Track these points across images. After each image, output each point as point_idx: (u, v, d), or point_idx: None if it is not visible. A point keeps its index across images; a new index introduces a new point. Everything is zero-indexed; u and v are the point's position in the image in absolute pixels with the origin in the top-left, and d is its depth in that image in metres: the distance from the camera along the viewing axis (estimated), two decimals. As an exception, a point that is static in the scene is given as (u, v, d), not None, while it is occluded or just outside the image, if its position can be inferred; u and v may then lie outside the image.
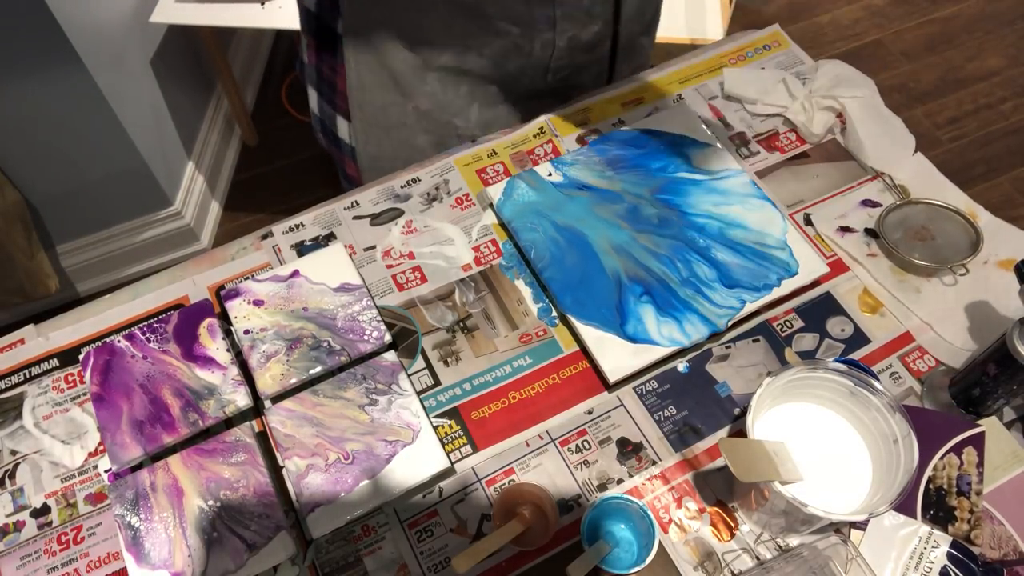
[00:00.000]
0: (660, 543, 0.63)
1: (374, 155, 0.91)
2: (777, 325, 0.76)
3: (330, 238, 0.82)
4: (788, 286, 0.74)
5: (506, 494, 0.64)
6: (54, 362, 0.74)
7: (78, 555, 0.65)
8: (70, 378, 0.73)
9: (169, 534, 0.61)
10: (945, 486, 0.64)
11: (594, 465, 0.68)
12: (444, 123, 0.88)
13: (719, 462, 0.68)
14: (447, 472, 0.67)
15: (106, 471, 0.68)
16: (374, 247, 0.81)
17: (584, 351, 0.74)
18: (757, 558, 0.63)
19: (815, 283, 0.78)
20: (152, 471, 0.64)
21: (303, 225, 0.83)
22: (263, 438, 0.68)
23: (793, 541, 0.64)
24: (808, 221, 0.83)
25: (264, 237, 0.82)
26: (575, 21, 0.79)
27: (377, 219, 0.83)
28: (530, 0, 0.75)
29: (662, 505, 0.66)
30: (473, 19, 0.76)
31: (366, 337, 0.71)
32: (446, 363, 0.74)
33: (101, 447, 0.70)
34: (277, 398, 0.69)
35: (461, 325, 0.76)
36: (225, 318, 0.73)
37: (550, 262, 0.76)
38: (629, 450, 0.69)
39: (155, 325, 0.72)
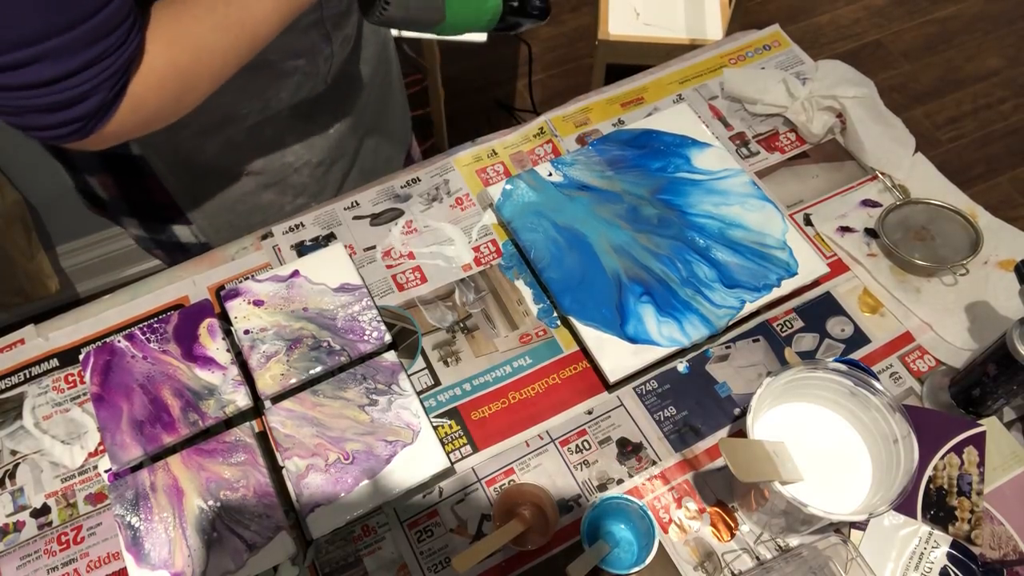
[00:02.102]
0: (660, 543, 0.63)
1: (228, 237, 0.85)
2: (777, 325, 0.76)
3: (330, 238, 0.82)
4: (788, 286, 0.74)
5: (506, 494, 0.64)
6: (54, 362, 0.74)
7: (78, 555, 0.65)
8: (70, 378, 0.73)
9: (169, 534, 0.61)
10: (945, 486, 0.64)
11: (594, 465, 0.68)
12: (278, 168, 0.84)
13: (719, 462, 0.68)
14: (447, 472, 0.67)
15: (106, 471, 0.68)
16: (374, 247, 0.81)
17: (584, 351, 0.74)
18: (757, 558, 0.63)
19: (815, 283, 0.78)
20: (152, 471, 0.64)
21: (303, 225, 0.83)
22: (263, 438, 0.68)
23: (793, 541, 0.64)
24: (808, 221, 0.83)
25: (264, 237, 0.82)
26: (340, 21, 0.76)
27: (377, 219, 0.83)
28: (306, 28, 0.71)
29: (662, 505, 0.66)
30: (261, 74, 0.72)
31: (366, 337, 0.71)
32: (446, 363, 0.74)
33: (101, 447, 0.70)
34: (277, 398, 0.68)
35: (461, 325, 0.76)
36: (225, 318, 0.73)
37: (550, 262, 0.76)
38: (629, 450, 0.69)
39: (155, 325, 0.72)
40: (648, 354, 0.71)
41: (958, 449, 0.65)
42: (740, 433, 0.69)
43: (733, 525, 0.65)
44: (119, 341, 0.71)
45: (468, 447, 0.69)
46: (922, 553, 0.61)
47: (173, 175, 0.79)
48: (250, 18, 0.58)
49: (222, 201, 0.84)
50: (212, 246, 0.86)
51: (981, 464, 0.65)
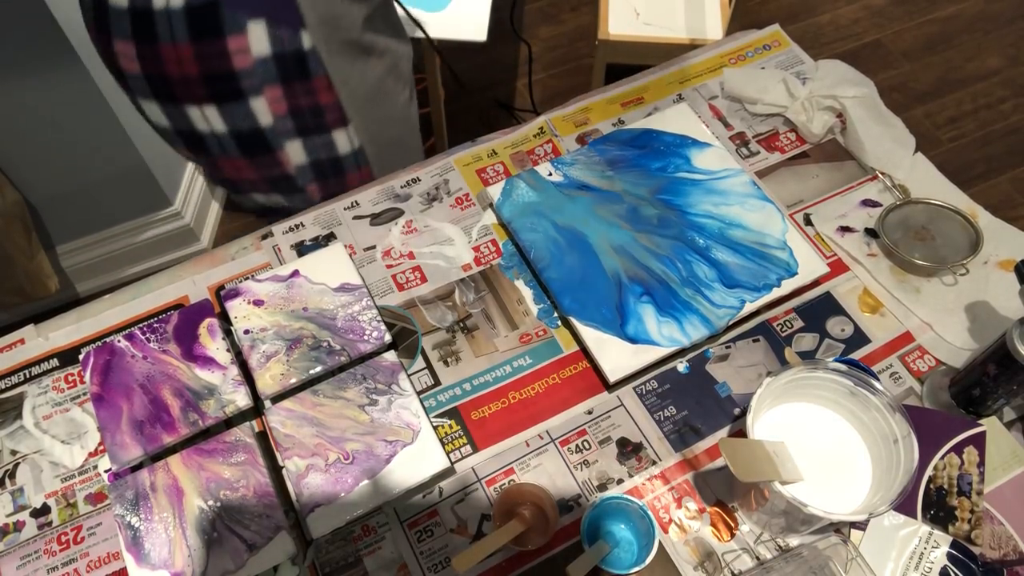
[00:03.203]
0: (660, 543, 0.63)
1: (374, 131, 0.88)
2: (777, 325, 0.76)
3: (330, 238, 0.82)
4: (788, 286, 0.74)
5: (506, 494, 0.64)
6: (54, 362, 0.74)
7: (78, 555, 0.65)
8: (70, 378, 0.73)
9: (169, 534, 0.61)
10: (946, 486, 0.64)
11: (594, 465, 0.68)
12: (394, 50, 0.88)
13: (719, 462, 0.68)
14: (447, 472, 0.67)
15: (106, 471, 0.68)
16: (374, 247, 0.81)
17: (584, 351, 0.74)
18: (757, 558, 0.63)
19: (815, 283, 0.78)
20: (152, 471, 0.64)
21: (303, 225, 0.83)
22: (263, 438, 0.68)
23: (793, 541, 0.64)
24: (808, 221, 0.83)
25: (264, 237, 0.82)
26: None
27: (377, 219, 0.83)
28: None
29: (662, 505, 0.66)
30: None
31: (366, 337, 0.71)
32: (446, 363, 0.74)
33: (101, 447, 0.70)
34: (277, 398, 0.68)
35: (461, 325, 0.76)
36: (225, 318, 0.73)
37: (550, 262, 0.76)
38: (629, 450, 0.69)
39: (155, 325, 0.72)
40: (648, 354, 0.71)
41: (958, 449, 0.65)
42: (740, 433, 0.69)
43: (733, 525, 0.65)
44: (119, 341, 0.71)
45: (468, 447, 0.69)
46: (922, 553, 0.61)
47: (331, 60, 0.80)
48: None
49: (365, 87, 0.85)
50: (369, 153, 0.88)
51: (981, 464, 0.65)
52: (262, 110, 0.80)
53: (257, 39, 0.76)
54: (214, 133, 0.81)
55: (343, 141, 0.88)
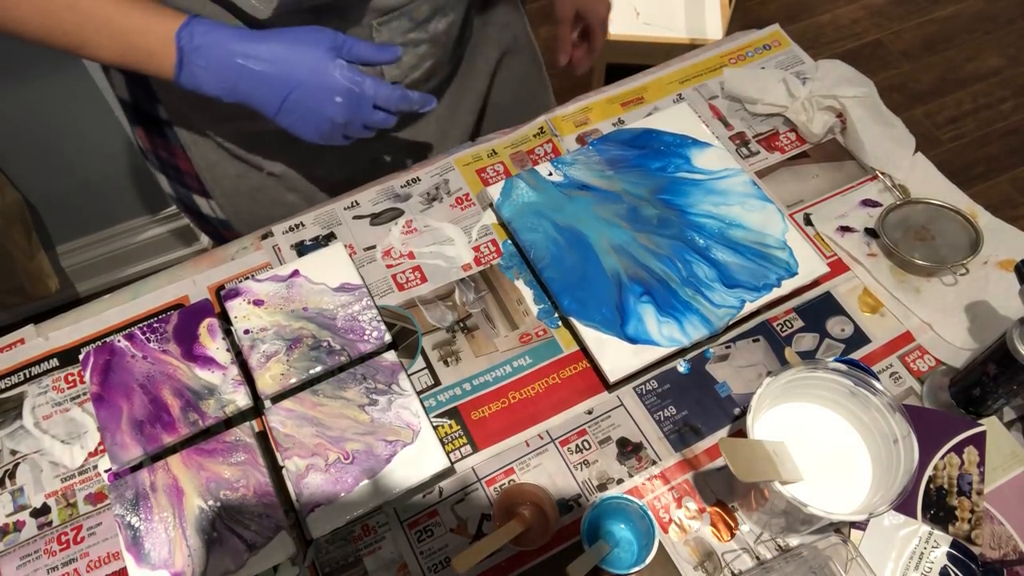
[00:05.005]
0: (660, 543, 0.63)
1: (248, 221, 0.86)
2: (777, 325, 0.76)
3: (330, 238, 0.82)
4: (788, 286, 0.74)
5: (506, 494, 0.64)
6: (54, 362, 0.74)
7: (78, 555, 0.65)
8: (70, 378, 0.73)
9: (169, 534, 0.61)
10: (946, 486, 0.64)
11: (594, 465, 0.68)
12: (304, 178, 0.85)
13: (719, 462, 0.68)
14: (447, 472, 0.67)
15: (106, 471, 0.68)
16: (374, 247, 0.81)
17: (584, 351, 0.74)
18: (757, 558, 0.63)
19: (815, 283, 0.78)
20: (152, 471, 0.64)
21: (303, 225, 0.83)
22: (263, 438, 0.68)
23: (793, 541, 0.64)
24: (808, 221, 0.83)
25: (264, 237, 0.82)
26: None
27: (377, 219, 0.83)
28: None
29: (662, 505, 0.66)
30: None
31: (366, 337, 0.71)
32: (446, 363, 0.74)
33: (101, 447, 0.70)
34: (277, 398, 0.68)
35: (461, 325, 0.76)
36: (225, 318, 0.73)
37: (550, 262, 0.76)
38: (629, 450, 0.69)
39: (155, 325, 0.72)
40: (648, 354, 0.71)
41: (958, 449, 0.65)
42: (740, 433, 0.69)
43: (733, 525, 0.65)
44: (119, 341, 0.71)
45: (468, 447, 0.69)
46: (922, 553, 0.61)
47: (197, 150, 0.80)
48: (85, 29, 0.60)
49: (242, 185, 0.84)
50: (232, 226, 0.86)
51: (981, 464, 0.65)
52: (139, 133, 0.84)
53: (118, 83, 0.79)
54: None
55: (205, 207, 0.87)
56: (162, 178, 0.89)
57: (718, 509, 0.66)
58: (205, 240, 1.84)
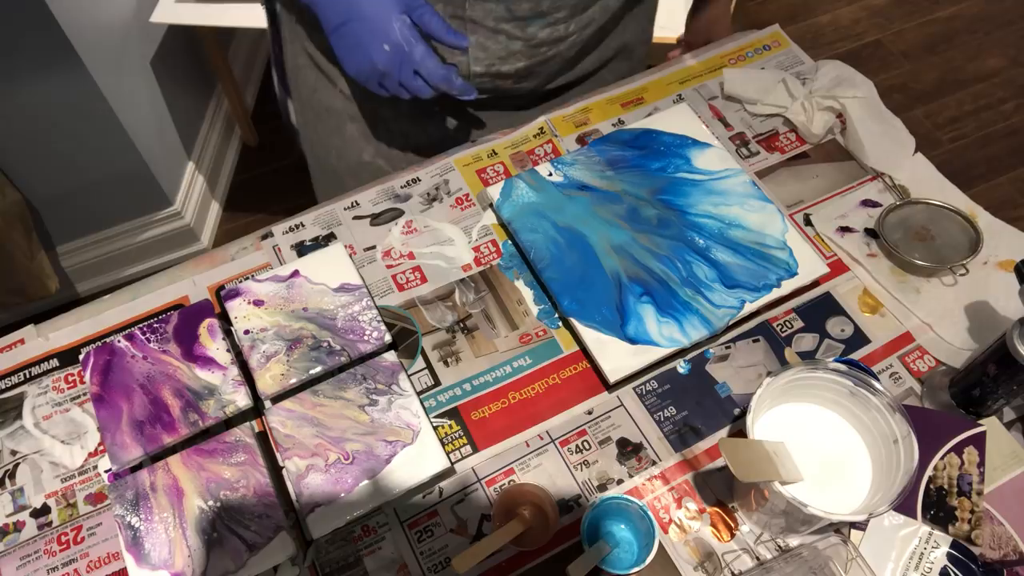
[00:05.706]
0: (660, 543, 0.63)
1: (312, 140, 0.92)
2: (777, 325, 0.76)
3: (330, 238, 0.82)
4: (788, 286, 0.74)
5: (506, 494, 0.64)
6: (54, 362, 0.74)
7: (78, 555, 0.65)
8: (70, 378, 0.73)
9: (169, 534, 0.61)
10: (946, 486, 0.64)
11: (594, 465, 0.68)
12: (369, 111, 0.89)
13: (719, 462, 0.68)
14: (447, 472, 0.67)
15: (106, 471, 0.68)
16: (374, 247, 0.81)
17: (584, 351, 0.74)
18: (757, 558, 0.63)
19: (815, 283, 0.78)
20: (152, 471, 0.64)
21: (303, 225, 0.83)
22: (263, 438, 0.68)
23: (793, 541, 0.64)
24: (808, 221, 0.83)
25: (264, 237, 0.82)
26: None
27: (377, 219, 0.83)
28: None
29: (662, 505, 0.66)
30: None
31: (366, 337, 0.71)
32: (446, 363, 0.74)
33: (101, 447, 0.70)
34: (277, 398, 0.68)
35: (461, 325, 0.76)
36: (225, 318, 0.73)
37: (550, 262, 0.76)
38: (629, 450, 0.69)
39: (155, 325, 0.72)
40: (648, 354, 0.71)
41: (958, 449, 0.65)
42: (740, 433, 0.69)
43: (733, 525, 0.65)
44: (119, 341, 0.71)
45: (468, 447, 0.69)
46: (922, 553, 0.61)
47: (290, 48, 0.88)
48: None
49: (313, 99, 0.90)
50: (302, 139, 0.95)
51: (981, 464, 0.65)
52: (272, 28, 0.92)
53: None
54: None
55: (291, 109, 0.95)
56: (275, 75, 0.95)
57: (718, 509, 0.66)
58: (205, 240, 1.84)
